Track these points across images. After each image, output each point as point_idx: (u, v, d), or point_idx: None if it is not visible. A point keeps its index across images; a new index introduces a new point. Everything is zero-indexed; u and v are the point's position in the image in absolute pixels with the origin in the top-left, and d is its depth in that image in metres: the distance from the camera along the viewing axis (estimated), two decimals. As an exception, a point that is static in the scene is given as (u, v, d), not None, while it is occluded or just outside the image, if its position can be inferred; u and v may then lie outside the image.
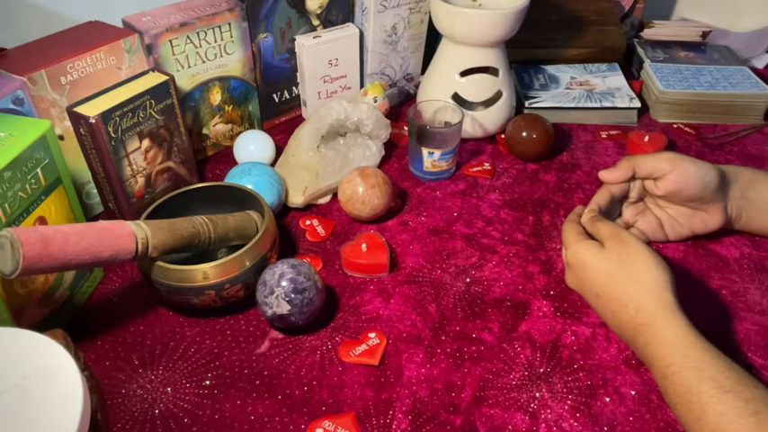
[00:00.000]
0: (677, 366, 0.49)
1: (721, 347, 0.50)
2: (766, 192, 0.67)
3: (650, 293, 0.54)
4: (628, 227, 0.71)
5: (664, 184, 0.66)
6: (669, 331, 0.51)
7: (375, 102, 0.86)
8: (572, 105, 0.94)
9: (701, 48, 1.09)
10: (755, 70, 1.06)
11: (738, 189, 0.67)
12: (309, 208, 0.78)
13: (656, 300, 0.53)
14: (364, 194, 0.72)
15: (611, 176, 0.67)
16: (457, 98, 0.86)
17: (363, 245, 0.68)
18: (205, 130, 0.85)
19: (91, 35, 0.70)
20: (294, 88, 0.93)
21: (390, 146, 0.88)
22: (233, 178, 0.72)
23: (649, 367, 0.53)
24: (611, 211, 0.69)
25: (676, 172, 0.65)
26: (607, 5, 1.08)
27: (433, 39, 0.96)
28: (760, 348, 0.60)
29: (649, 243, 0.71)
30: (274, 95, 0.91)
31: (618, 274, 0.56)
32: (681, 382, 0.49)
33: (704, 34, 1.13)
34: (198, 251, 0.64)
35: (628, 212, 0.70)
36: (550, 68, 1.02)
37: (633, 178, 0.67)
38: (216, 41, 0.79)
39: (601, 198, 0.67)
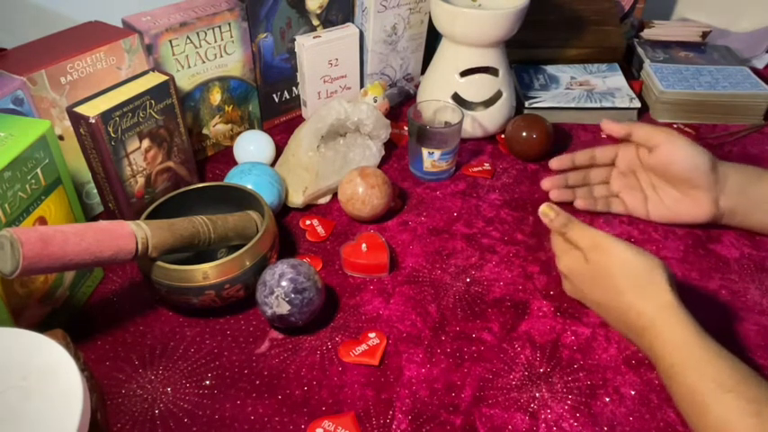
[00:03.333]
0: (679, 366, 0.49)
1: (721, 347, 0.50)
2: (766, 189, 0.67)
3: (648, 298, 0.53)
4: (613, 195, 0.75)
5: (654, 154, 0.68)
6: (670, 332, 0.51)
7: (375, 102, 0.86)
8: (572, 105, 0.94)
9: (701, 48, 1.09)
10: (755, 70, 1.06)
11: (738, 184, 0.67)
12: (309, 208, 0.78)
13: (655, 303, 0.53)
14: (364, 194, 0.72)
15: (613, 127, 0.70)
16: (457, 98, 0.86)
17: (363, 245, 0.68)
18: (205, 130, 0.85)
19: (91, 35, 0.70)
20: (294, 88, 0.93)
21: (390, 146, 0.88)
22: (233, 178, 0.72)
23: (655, 367, 0.53)
24: (585, 179, 0.75)
25: (669, 145, 0.67)
26: (607, 5, 1.08)
27: (433, 39, 0.96)
28: (760, 348, 0.60)
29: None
30: (274, 95, 0.91)
31: (612, 286, 0.56)
32: (684, 381, 0.48)
33: (704, 34, 1.13)
34: (198, 251, 0.64)
35: (616, 183, 0.74)
36: (550, 68, 1.02)
37: (628, 140, 0.71)
38: (216, 41, 0.79)
39: (581, 156, 0.72)
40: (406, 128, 0.92)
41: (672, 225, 0.73)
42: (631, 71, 1.09)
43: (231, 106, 0.86)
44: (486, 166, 0.86)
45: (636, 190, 0.72)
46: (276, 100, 0.92)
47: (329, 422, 0.53)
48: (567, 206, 0.73)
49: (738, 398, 0.45)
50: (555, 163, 0.75)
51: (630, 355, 0.59)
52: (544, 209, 0.62)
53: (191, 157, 0.78)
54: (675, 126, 0.96)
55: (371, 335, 0.61)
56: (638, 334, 0.54)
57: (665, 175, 0.69)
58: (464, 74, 0.85)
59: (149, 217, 0.63)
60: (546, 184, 0.74)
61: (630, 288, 0.54)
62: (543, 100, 0.95)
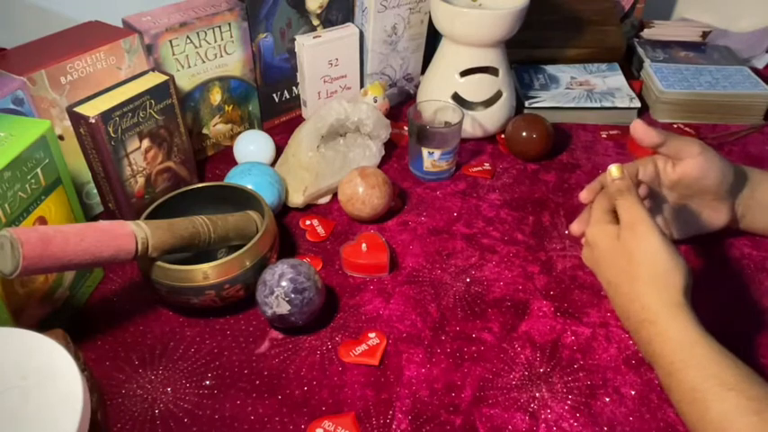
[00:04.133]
0: (680, 364, 0.49)
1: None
2: None
3: (658, 294, 0.53)
4: None
5: (685, 166, 0.64)
6: (673, 329, 0.51)
7: (375, 102, 0.86)
8: (572, 105, 0.94)
9: (701, 48, 1.09)
10: (755, 70, 1.06)
11: (749, 189, 0.67)
12: (309, 208, 0.78)
13: (664, 301, 0.52)
14: (364, 194, 0.72)
15: (648, 132, 0.63)
16: (457, 98, 0.86)
17: (363, 245, 0.68)
18: (205, 130, 0.85)
19: (91, 35, 0.70)
20: (294, 88, 0.93)
21: (390, 146, 0.88)
22: (233, 178, 0.72)
23: (652, 364, 0.53)
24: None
25: (704, 157, 0.63)
26: (607, 5, 1.08)
27: (432, 39, 0.96)
28: (760, 348, 0.60)
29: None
30: (274, 95, 0.91)
31: (629, 271, 0.55)
32: (684, 379, 0.48)
33: (704, 34, 1.13)
34: (198, 251, 0.64)
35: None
36: (550, 68, 1.02)
37: (656, 150, 0.65)
38: (216, 41, 0.79)
39: (628, 170, 0.62)
40: (406, 128, 0.92)
41: (692, 239, 0.71)
42: (631, 71, 1.09)
43: (231, 106, 0.86)
44: (486, 166, 0.86)
45: (653, 214, 0.66)
46: (276, 100, 0.92)
47: (329, 422, 0.53)
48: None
49: (739, 396, 0.45)
50: (585, 195, 0.66)
51: (630, 356, 0.59)
52: (614, 168, 0.59)
53: (191, 157, 0.78)
54: (675, 126, 0.96)
55: (371, 335, 0.61)
56: (637, 327, 0.54)
57: (690, 189, 0.66)
58: (464, 74, 0.85)
59: (149, 217, 0.63)
60: (575, 228, 0.66)
61: (646, 279, 0.54)
62: (543, 100, 0.95)
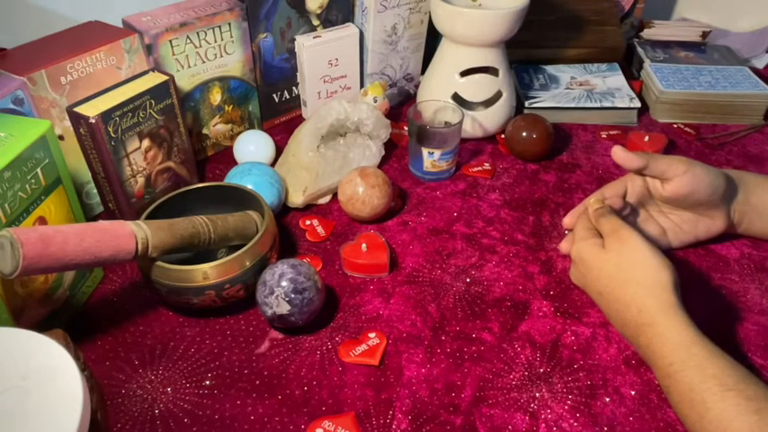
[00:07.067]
0: (679, 365, 0.49)
1: (721, 347, 0.50)
2: (766, 197, 0.67)
3: (652, 295, 0.54)
4: None
5: (674, 185, 0.64)
6: (671, 330, 0.51)
7: (375, 102, 0.86)
8: (572, 105, 0.94)
9: (701, 48, 1.09)
10: (755, 70, 1.06)
11: (743, 194, 0.67)
12: (309, 208, 0.78)
13: (658, 300, 0.53)
14: (364, 194, 0.72)
15: (629, 157, 0.64)
16: (457, 98, 0.86)
17: (363, 245, 0.68)
18: (205, 130, 0.85)
19: (91, 35, 0.70)
20: (294, 88, 0.93)
21: (390, 146, 0.88)
22: (233, 178, 0.72)
23: (651, 366, 0.53)
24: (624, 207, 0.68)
25: (690, 174, 0.63)
26: (607, 5, 1.08)
27: (432, 39, 0.96)
28: (760, 348, 0.60)
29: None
30: (274, 95, 0.91)
31: (618, 276, 0.56)
32: (683, 380, 0.49)
33: (704, 34, 1.13)
34: (198, 251, 0.64)
35: (629, 220, 0.70)
36: (550, 68, 1.02)
37: (641, 172, 0.66)
38: (216, 41, 0.79)
39: (616, 188, 0.67)
40: (406, 128, 0.92)
41: (690, 245, 0.71)
42: (631, 71, 1.09)
43: (231, 106, 0.86)
44: (486, 166, 0.86)
45: (650, 223, 0.69)
46: (276, 100, 0.92)
47: (329, 422, 0.53)
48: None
49: (739, 396, 0.45)
50: (568, 220, 0.70)
51: (630, 356, 0.59)
52: (593, 201, 0.65)
53: (191, 157, 0.78)
54: (675, 126, 0.96)
55: (371, 335, 0.61)
56: (635, 331, 0.54)
57: (683, 203, 0.66)
58: (464, 74, 0.85)
59: (149, 217, 0.63)
60: (564, 246, 0.68)
61: (637, 280, 0.55)
62: (543, 100, 0.95)
